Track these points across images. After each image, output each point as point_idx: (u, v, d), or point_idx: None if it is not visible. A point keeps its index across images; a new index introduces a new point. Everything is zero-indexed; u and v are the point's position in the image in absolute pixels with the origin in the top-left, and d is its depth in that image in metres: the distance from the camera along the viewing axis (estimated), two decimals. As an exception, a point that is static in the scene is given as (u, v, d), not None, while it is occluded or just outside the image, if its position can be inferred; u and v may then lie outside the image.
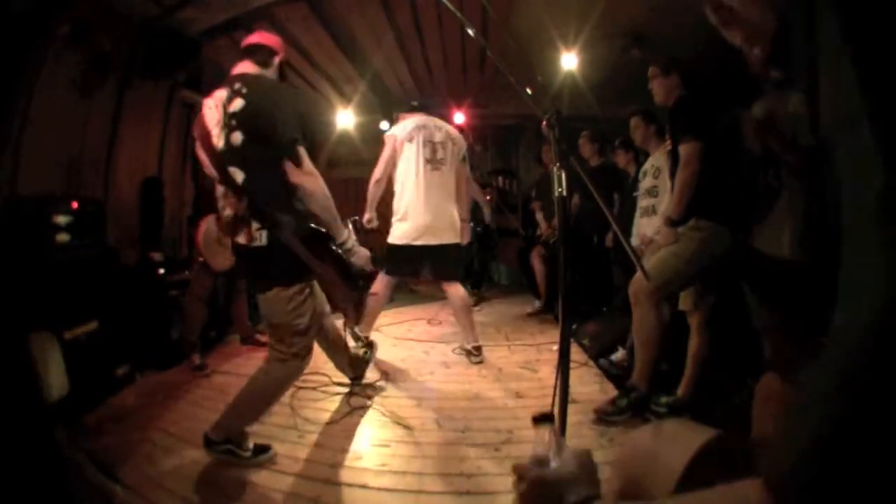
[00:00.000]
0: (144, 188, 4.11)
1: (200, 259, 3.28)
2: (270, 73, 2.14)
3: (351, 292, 2.11)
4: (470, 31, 1.57)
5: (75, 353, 2.55)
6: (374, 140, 7.29)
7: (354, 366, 2.87)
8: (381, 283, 3.44)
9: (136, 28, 3.63)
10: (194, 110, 4.61)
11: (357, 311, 2.45)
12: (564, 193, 1.50)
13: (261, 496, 1.87)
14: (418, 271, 3.57)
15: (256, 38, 2.16)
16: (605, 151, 4.64)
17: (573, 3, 3.82)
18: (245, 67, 2.07)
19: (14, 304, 2.29)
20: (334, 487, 1.93)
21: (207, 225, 3.21)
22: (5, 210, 2.67)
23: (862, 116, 0.42)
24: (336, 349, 2.68)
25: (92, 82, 3.42)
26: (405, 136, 3.41)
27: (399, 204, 3.41)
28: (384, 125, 7.01)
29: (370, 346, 3.17)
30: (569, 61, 4.56)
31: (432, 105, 3.85)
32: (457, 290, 3.48)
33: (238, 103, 1.92)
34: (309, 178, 1.90)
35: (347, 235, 2.05)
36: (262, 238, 1.94)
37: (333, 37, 4.58)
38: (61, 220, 2.76)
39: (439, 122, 3.55)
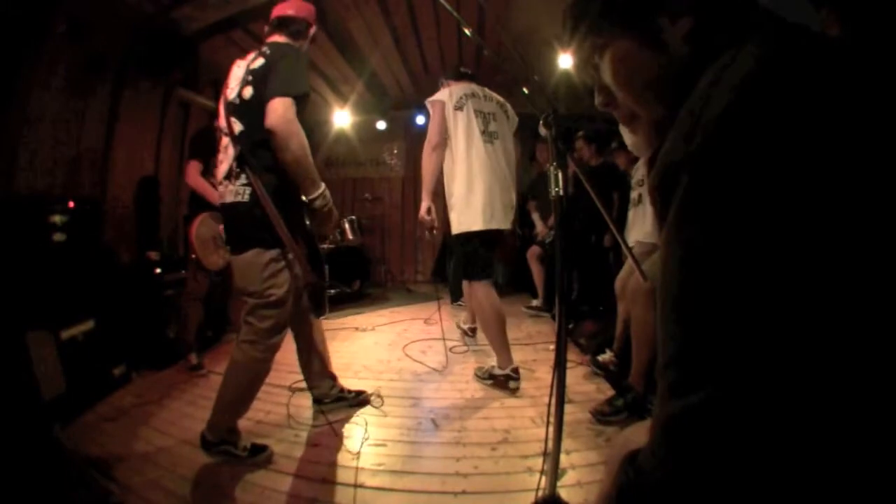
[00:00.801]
0: (141, 187, 4.11)
1: (193, 256, 3.26)
2: (305, 45, 2.19)
3: (312, 273, 2.10)
4: (466, 31, 1.58)
5: (72, 353, 2.55)
6: (372, 139, 7.33)
7: (325, 388, 2.59)
8: (477, 293, 2.95)
9: (132, 27, 3.62)
10: (190, 109, 4.61)
11: (316, 301, 2.40)
12: (561, 193, 1.50)
13: (258, 496, 1.87)
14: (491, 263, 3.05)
15: (292, 9, 2.17)
16: (605, 151, 4.64)
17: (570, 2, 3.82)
18: (278, 38, 2.13)
19: (11, 304, 2.29)
20: (331, 487, 1.92)
21: (201, 223, 3.18)
22: (2, 209, 2.66)
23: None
24: (315, 356, 2.51)
25: (88, 81, 3.42)
26: (455, 104, 2.89)
27: (452, 185, 2.92)
28: (381, 125, 7.02)
29: (359, 395, 2.70)
30: (565, 60, 4.57)
31: (480, 75, 3.41)
32: None
33: (259, 62, 1.99)
34: (286, 124, 1.86)
35: (321, 193, 2.03)
36: (245, 194, 1.95)
37: (330, 36, 4.58)
38: (58, 219, 2.75)
39: (488, 92, 3.10)
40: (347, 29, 4.49)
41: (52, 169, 3.18)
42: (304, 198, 2.07)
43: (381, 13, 4.20)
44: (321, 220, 2.10)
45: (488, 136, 2.92)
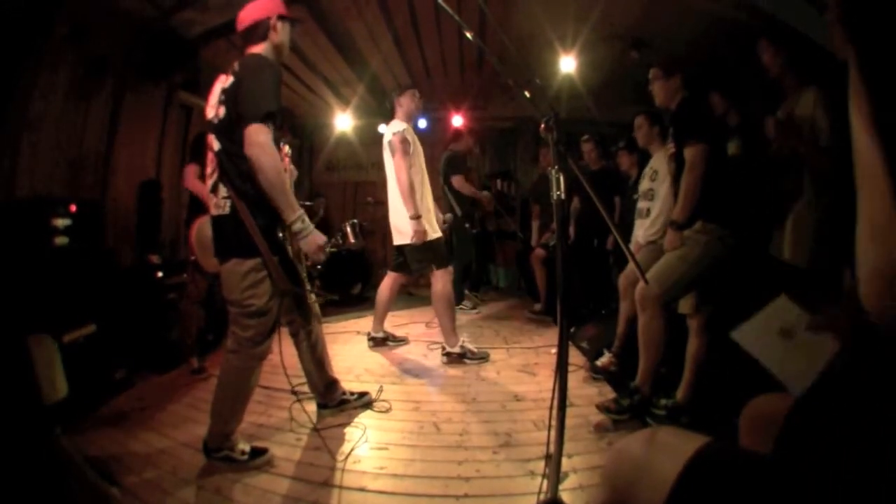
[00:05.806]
0: (142, 190, 4.11)
1: (193, 258, 3.26)
2: (276, 38, 2.12)
3: (288, 284, 2.08)
4: (468, 34, 1.58)
5: (74, 356, 2.55)
6: (374, 143, 7.31)
7: (327, 393, 2.61)
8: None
9: (134, 30, 3.63)
10: (192, 113, 4.62)
11: (301, 311, 2.38)
12: (563, 196, 1.50)
13: (259, 498, 1.87)
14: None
15: (248, 18, 2.11)
16: (607, 155, 4.65)
17: (571, 5, 3.82)
18: (252, 49, 2.13)
19: (13, 307, 2.29)
20: (332, 490, 1.92)
21: (201, 225, 3.18)
22: (3, 212, 2.67)
23: None
24: (315, 364, 2.51)
25: (90, 84, 3.42)
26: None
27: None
28: (382, 128, 7.01)
29: (361, 397, 2.74)
30: (567, 64, 4.57)
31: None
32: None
33: (229, 80, 2.02)
34: (260, 151, 1.88)
35: (298, 217, 2.03)
36: (226, 207, 2.01)
37: (331, 39, 4.58)
38: (60, 222, 2.76)
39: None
40: (348, 31, 4.49)
41: (53, 172, 3.18)
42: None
43: (382, 15, 4.19)
44: (303, 244, 2.08)
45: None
